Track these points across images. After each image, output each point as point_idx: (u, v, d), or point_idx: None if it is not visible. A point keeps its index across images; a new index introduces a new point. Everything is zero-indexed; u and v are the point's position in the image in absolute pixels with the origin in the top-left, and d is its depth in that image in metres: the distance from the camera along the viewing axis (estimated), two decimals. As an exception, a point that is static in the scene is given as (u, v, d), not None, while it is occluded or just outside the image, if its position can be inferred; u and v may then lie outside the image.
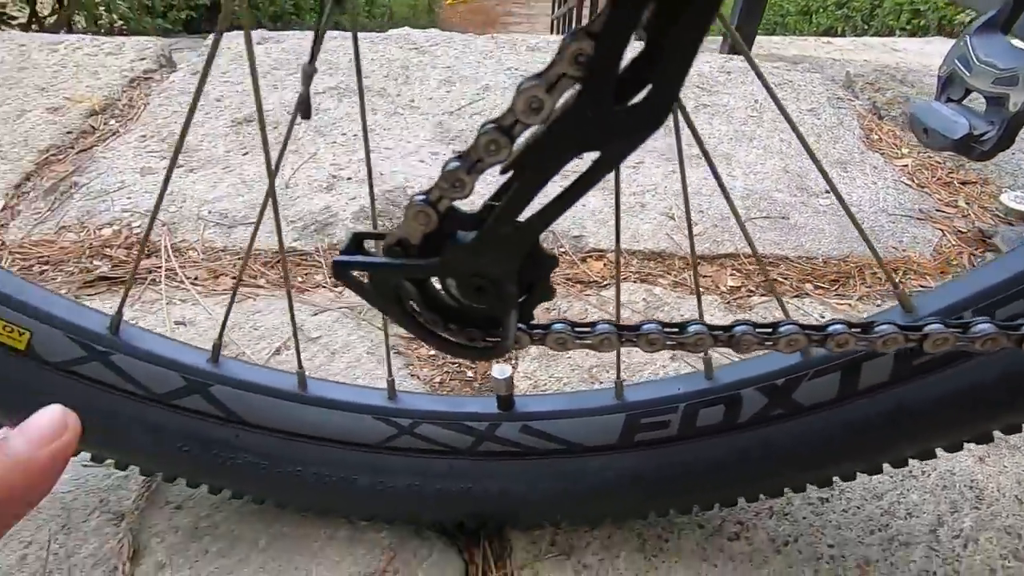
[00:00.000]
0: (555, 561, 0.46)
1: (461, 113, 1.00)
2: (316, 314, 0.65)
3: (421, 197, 0.26)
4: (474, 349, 0.29)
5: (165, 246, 0.72)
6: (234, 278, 0.69)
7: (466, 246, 0.26)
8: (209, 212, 0.78)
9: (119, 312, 0.38)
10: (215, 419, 0.40)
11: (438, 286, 0.30)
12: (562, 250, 0.74)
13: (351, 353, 0.61)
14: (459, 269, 0.27)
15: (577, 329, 0.30)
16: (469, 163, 0.25)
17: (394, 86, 1.06)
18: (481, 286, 0.27)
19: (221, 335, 0.40)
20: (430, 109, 1.01)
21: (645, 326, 0.29)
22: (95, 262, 0.70)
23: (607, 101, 0.23)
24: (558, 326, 0.29)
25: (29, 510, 0.21)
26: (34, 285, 0.38)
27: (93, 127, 0.95)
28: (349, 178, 0.85)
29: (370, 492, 0.43)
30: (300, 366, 0.41)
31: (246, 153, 0.90)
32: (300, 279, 0.70)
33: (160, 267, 0.70)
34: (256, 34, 1.24)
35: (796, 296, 0.70)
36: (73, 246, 0.72)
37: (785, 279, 0.71)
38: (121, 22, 2.82)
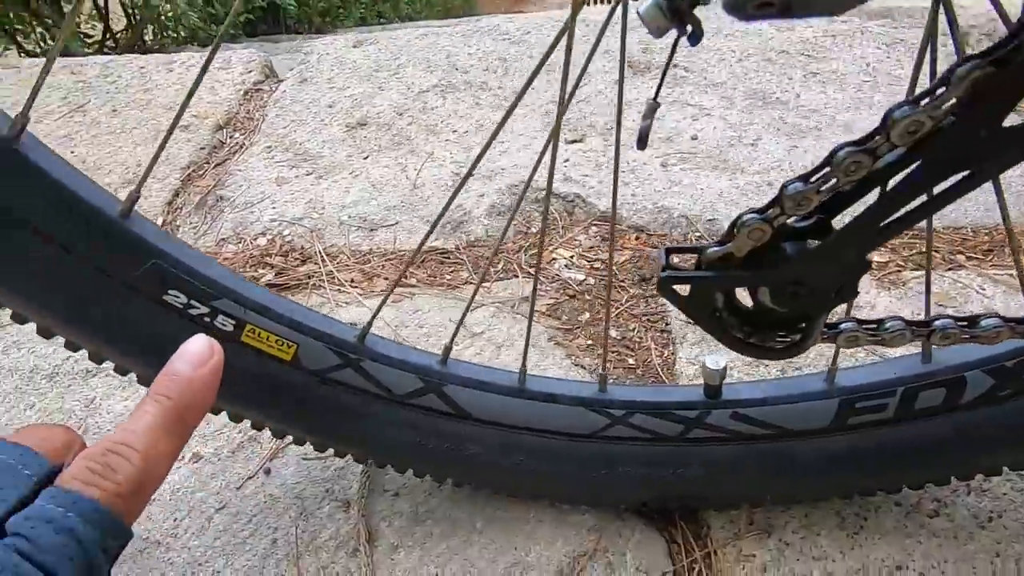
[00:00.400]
0: (756, 539, 0.48)
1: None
2: (473, 310, 0.68)
3: (755, 215, 0.27)
4: (772, 350, 0.31)
5: (318, 251, 0.77)
6: (386, 279, 0.74)
7: (804, 257, 0.27)
8: (348, 217, 0.82)
9: (368, 324, 0.42)
10: (447, 415, 0.44)
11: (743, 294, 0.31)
12: (697, 235, 0.75)
13: (516, 346, 0.64)
14: (786, 278, 0.28)
15: (866, 327, 0.31)
16: (817, 183, 0.26)
17: (495, 79, 1.08)
18: (798, 292, 0.28)
19: (452, 339, 0.43)
20: (535, 100, 1.02)
21: (937, 322, 0.30)
22: (260, 270, 0.75)
23: (996, 123, 0.24)
24: (847, 325, 0.31)
25: (200, 420, 0.27)
26: (296, 303, 0.42)
27: (222, 141, 1.01)
28: (473, 174, 0.87)
29: (582, 478, 0.46)
30: (524, 364, 0.44)
31: (366, 157, 0.94)
32: (448, 276, 0.74)
33: (319, 272, 0.75)
34: (351, 36, 1.27)
35: (950, 269, 0.68)
36: (236, 256, 0.78)
37: (935, 251, 0.70)
38: (186, 32, 2.93)
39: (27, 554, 0.19)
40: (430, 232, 0.41)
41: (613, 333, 0.65)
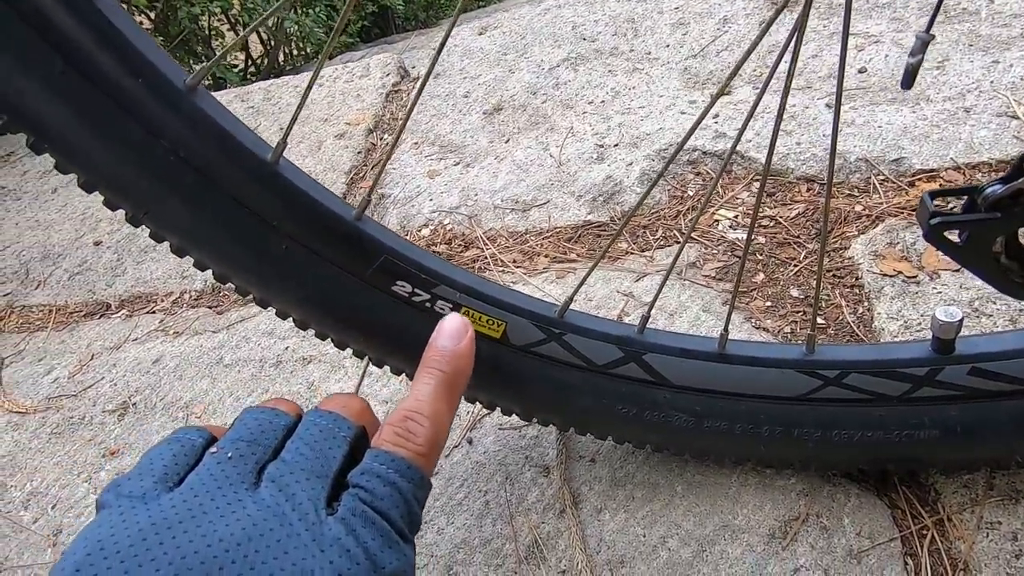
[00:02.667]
0: (1000, 505, 0.43)
1: (706, 53, 0.95)
2: (639, 279, 0.68)
3: None
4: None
5: (479, 236, 0.82)
6: (546, 256, 0.76)
7: None
8: (501, 200, 0.86)
9: (569, 300, 0.44)
10: (648, 383, 0.45)
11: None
12: (881, 177, 0.68)
13: (688, 313, 0.63)
14: None
15: None
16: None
17: (625, 42, 1.05)
18: None
19: (650, 309, 0.44)
20: (671, 57, 0.98)
21: None
22: (429, 259, 0.81)
23: None
24: None
25: (466, 384, 0.32)
26: (501, 284, 0.45)
27: (374, 144, 1.10)
28: (616, 144, 0.87)
29: (790, 442, 0.45)
30: (726, 329, 0.43)
31: (507, 140, 0.97)
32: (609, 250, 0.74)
33: (482, 255, 0.79)
34: (475, 24, 1.30)
35: None
36: (406, 248, 0.84)
37: None
38: (313, 48, 3.18)
39: (367, 501, 0.23)
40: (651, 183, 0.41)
41: (795, 292, 0.61)
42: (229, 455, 0.23)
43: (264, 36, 2.99)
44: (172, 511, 0.19)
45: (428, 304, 0.43)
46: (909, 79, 0.27)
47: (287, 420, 0.27)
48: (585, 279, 0.44)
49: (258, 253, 0.39)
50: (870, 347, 0.47)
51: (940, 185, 0.64)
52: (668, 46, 1.00)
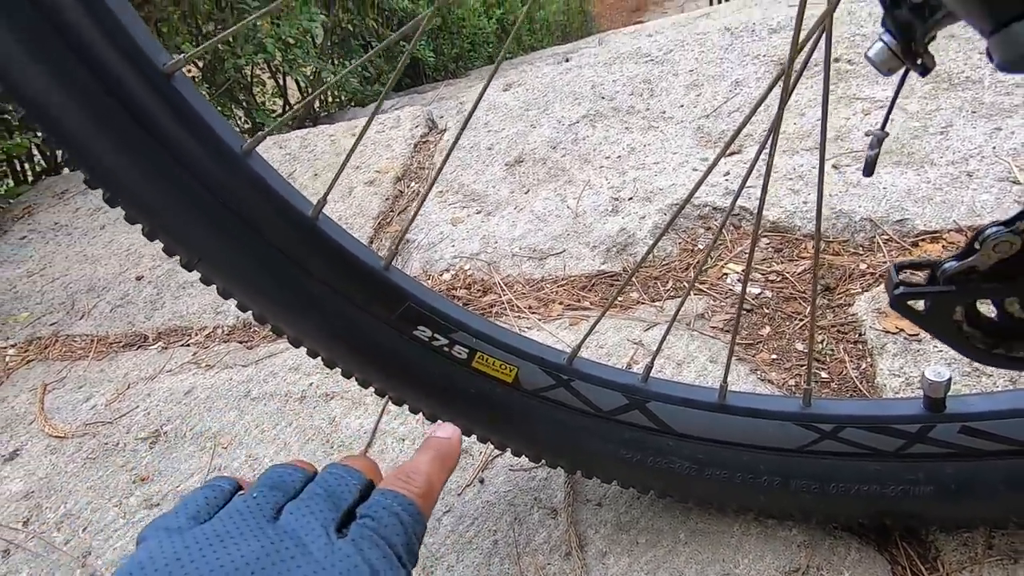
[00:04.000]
0: (999, 565, 0.44)
1: (718, 114, 1.00)
2: (648, 329, 0.71)
3: (1001, 228, 0.28)
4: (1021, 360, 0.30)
5: (496, 282, 0.86)
6: (560, 304, 0.79)
7: None
8: (519, 248, 0.90)
9: (577, 348, 0.47)
10: (651, 430, 0.47)
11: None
12: (885, 237, 0.71)
13: (695, 363, 0.65)
14: None
15: None
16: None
17: (641, 101, 1.11)
18: None
19: (653, 359, 0.47)
20: (685, 116, 1.03)
21: None
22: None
23: None
24: None
25: (454, 467, 0.37)
26: (514, 331, 0.48)
27: (401, 191, 1.16)
28: (630, 198, 0.91)
29: (788, 492, 0.46)
30: (725, 380, 0.45)
31: (527, 191, 1.02)
32: (619, 298, 0.77)
33: (500, 301, 0.82)
34: (500, 81, 1.39)
35: None
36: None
37: None
38: (347, 95, 3.35)
39: (373, 528, 0.26)
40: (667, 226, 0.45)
41: (799, 346, 0.63)
42: (254, 495, 0.26)
43: (302, 84, 3.17)
44: (203, 538, 0.23)
45: (446, 348, 0.46)
46: (870, 168, 0.30)
47: (305, 474, 0.30)
48: (593, 328, 0.47)
49: (296, 297, 0.43)
50: (865, 402, 0.49)
51: (943, 247, 0.67)
52: (682, 106, 1.05)
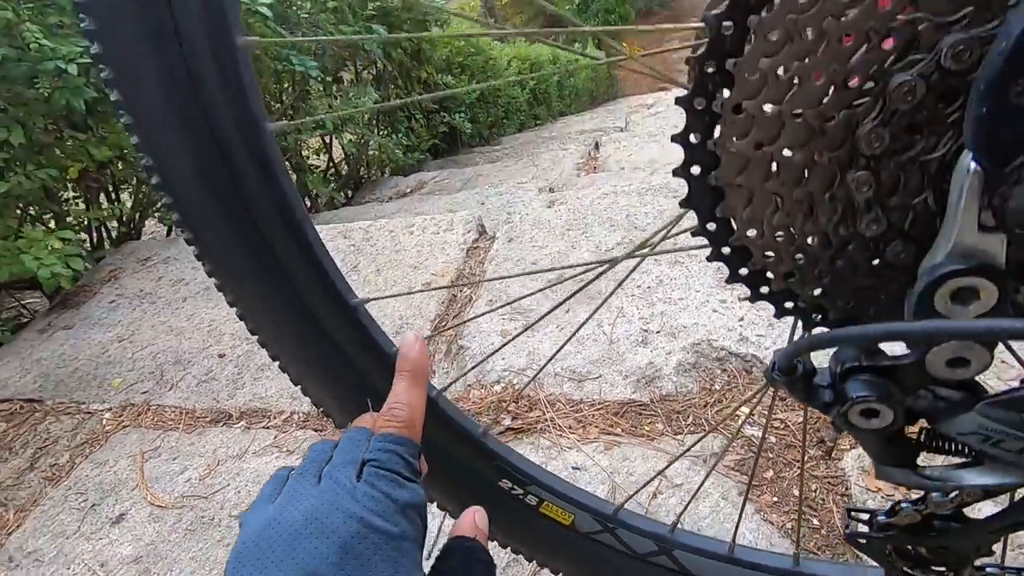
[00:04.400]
0: None
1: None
2: (669, 463, 0.85)
3: (910, 505, 0.42)
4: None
5: (542, 399, 1.01)
6: (596, 427, 0.94)
7: (947, 534, 0.41)
8: (561, 369, 1.05)
9: (623, 503, 0.61)
10: (675, 572, 0.61)
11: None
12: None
13: (710, 499, 0.79)
14: (935, 544, 0.42)
15: (1009, 571, 0.43)
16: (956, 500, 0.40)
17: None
18: (946, 551, 0.42)
19: (680, 516, 0.61)
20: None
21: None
22: (501, 415, 1.00)
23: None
24: (992, 569, 0.43)
25: (427, 378, 0.42)
26: (571, 484, 0.63)
27: (455, 295, 1.33)
28: (658, 331, 1.06)
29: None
30: (734, 539, 0.59)
31: (567, 311, 1.18)
32: (647, 428, 0.92)
33: (544, 418, 0.97)
34: (546, 196, 1.57)
35: None
36: (482, 401, 1.04)
37: None
38: (391, 163, 3.59)
39: (377, 465, 0.37)
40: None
41: (796, 492, 0.77)
42: (300, 471, 0.38)
43: (347, 149, 3.43)
44: (278, 507, 0.34)
45: (521, 496, 0.61)
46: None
47: (333, 443, 0.41)
48: (629, 498, 0.61)
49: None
50: (844, 567, 0.62)
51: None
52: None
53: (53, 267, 1.59)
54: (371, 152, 3.35)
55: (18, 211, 1.76)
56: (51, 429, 1.27)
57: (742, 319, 1.03)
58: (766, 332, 1.00)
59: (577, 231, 1.38)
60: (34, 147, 1.67)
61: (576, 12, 9.89)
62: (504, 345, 0.54)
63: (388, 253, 1.52)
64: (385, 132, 3.43)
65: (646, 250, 0.47)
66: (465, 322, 1.21)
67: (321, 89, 3.03)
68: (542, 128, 5.46)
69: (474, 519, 0.43)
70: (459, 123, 3.97)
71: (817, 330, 0.36)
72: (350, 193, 3.39)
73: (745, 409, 0.89)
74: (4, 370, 1.48)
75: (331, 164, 3.57)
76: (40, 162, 1.70)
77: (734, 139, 0.31)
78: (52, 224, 1.94)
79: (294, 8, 2.57)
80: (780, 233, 0.33)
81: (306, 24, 2.72)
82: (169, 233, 2.33)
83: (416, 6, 3.37)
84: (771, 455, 0.82)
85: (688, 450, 0.59)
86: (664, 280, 1.18)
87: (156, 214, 2.21)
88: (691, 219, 0.38)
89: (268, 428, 1.12)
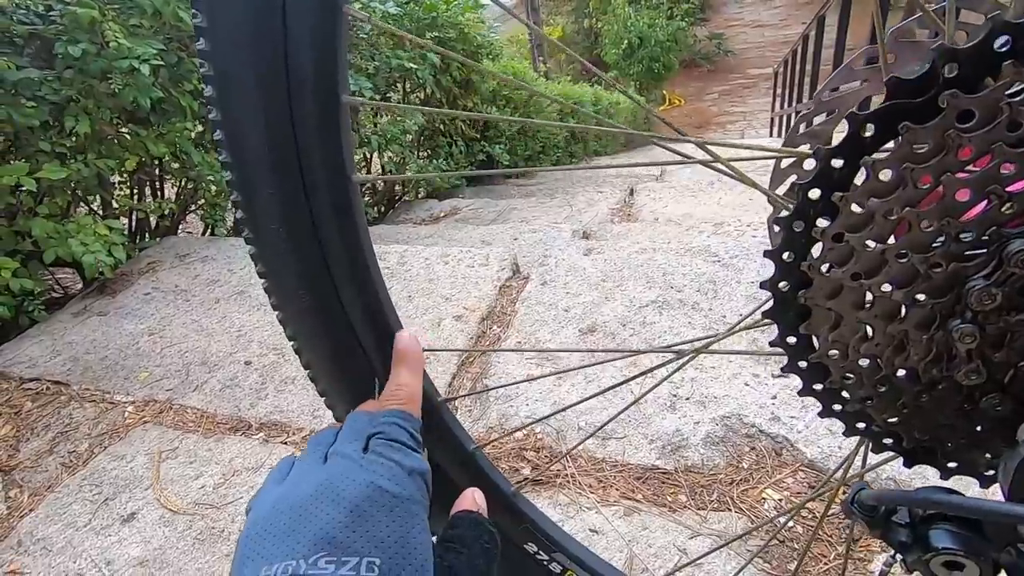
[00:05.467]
0: None
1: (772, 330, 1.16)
2: (692, 537, 0.83)
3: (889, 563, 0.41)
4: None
5: (563, 451, 1.00)
6: (617, 490, 0.93)
7: None
8: (585, 423, 1.04)
9: (647, 583, 0.60)
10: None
11: None
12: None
13: (730, 583, 0.77)
14: None
15: None
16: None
17: (706, 300, 1.28)
18: None
19: (705, 606, 0.59)
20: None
21: None
22: (520, 463, 0.99)
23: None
24: None
25: (422, 367, 0.44)
26: (595, 555, 0.62)
27: (484, 332, 1.34)
28: (687, 398, 1.05)
29: None
30: (759, 639, 0.58)
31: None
32: (669, 498, 0.90)
33: (564, 472, 0.96)
34: (583, 244, 1.58)
35: None
36: (503, 446, 1.03)
37: None
38: (426, 188, 3.65)
39: (383, 436, 0.38)
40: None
41: (820, 590, 0.75)
42: (307, 455, 0.38)
43: (387, 170, 3.50)
44: (285, 487, 0.34)
45: (546, 563, 0.60)
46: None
47: (335, 429, 0.42)
48: None
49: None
50: None
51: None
52: (741, 315, 1.21)
53: (97, 254, 1.63)
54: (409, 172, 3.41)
55: (70, 195, 1.82)
56: (74, 415, 1.28)
57: (775, 397, 1.02)
58: (799, 414, 0.98)
59: (612, 283, 1.39)
60: (97, 137, 1.74)
61: (622, 57, 10.09)
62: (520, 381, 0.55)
63: (421, 281, 1.54)
64: (426, 155, 3.50)
65: (715, 345, 0.48)
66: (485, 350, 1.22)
67: (370, 109, 3.11)
68: (578, 166, 5.53)
69: (474, 497, 0.43)
70: (498, 154, 4.04)
71: (913, 486, 0.35)
72: (383, 209, 3.45)
73: (773, 492, 0.87)
74: (36, 348, 1.51)
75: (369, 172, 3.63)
76: (100, 151, 1.77)
77: (831, 266, 0.32)
78: (99, 210, 2.00)
79: (354, 29, 2.66)
80: (866, 361, 0.34)
81: (364, 45, 2.82)
82: (206, 232, 2.38)
83: (470, 38, 3.47)
84: (796, 546, 0.80)
85: (723, 545, 0.58)
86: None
87: (199, 212, 2.26)
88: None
89: (286, 444, 1.12)
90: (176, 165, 2.04)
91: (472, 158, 4.04)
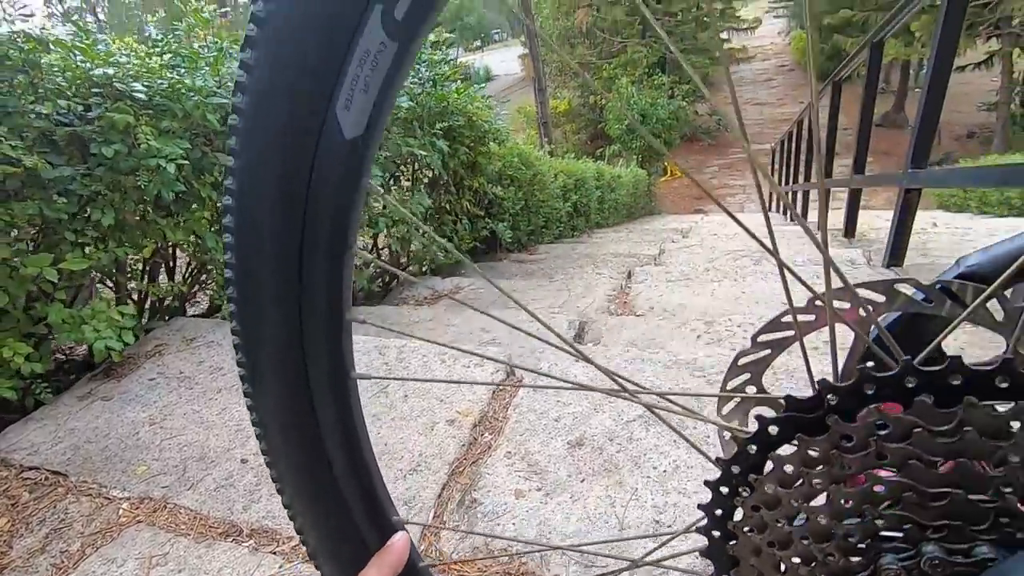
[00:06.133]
0: None
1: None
2: None
3: None
4: None
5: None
6: (596, 624, 0.94)
7: None
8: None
9: None
10: None
11: None
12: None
13: None
14: None
15: None
16: None
17: (690, 420, 1.32)
18: None
19: None
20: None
21: None
22: (503, 589, 1.01)
23: None
24: None
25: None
26: None
27: (475, 438, 1.37)
28: (670, 525, 1.08)
29: None
30: None
31: (583, 480, 1.21)
32: (647, 637, 0.92)
33: (545, 603, 0.98)
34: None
35: None
36: (488, 567, 1.05)
37: None
38: (429, 265, 3.75)
39: None
40: None
41: None
42: None
43: (392, 249, 3.63)
44: None
45: None
46: None
47: None
48: None
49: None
50: None
51: None
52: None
53: (108, 340, 1.70)
54: (412, 250, 3.52)
55: (87, 281, 1.90)
56: (69, 509, 1.31)
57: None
58: None
59: (600, 395, 1.43)
60: (120, 226, 1.85)
61: (625, 132, 10.52)
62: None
63: (419, 378, 1.59)
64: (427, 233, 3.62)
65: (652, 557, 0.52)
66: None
67: (380, 188, 3.26)
68: (578, 241, 5.68)
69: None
70: (501, 231, 4.18)
71: None
72: (386, 281, 3.54)
73: None
74: (39, 434, 1.55)
75: (375, 251, 3.75)
76: (121, 239, 1.87)
77: (750, 529, 0.37)
78: (113, 290, 2.08)
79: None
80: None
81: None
82: (210, 313, 2.46)
83: (477, 125, 3.67)
84: None
85: None
86: (680, 466, 1.20)
87: (207, 291, 2.35)
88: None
89: (276, 554, 1.14)
90: (189, 248, 2.14)
91: (476, 234, 4.17)
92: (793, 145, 7.32)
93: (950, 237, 4.09)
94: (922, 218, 4.59)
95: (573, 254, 4.59)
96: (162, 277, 2.23)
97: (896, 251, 2.91)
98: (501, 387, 1.53)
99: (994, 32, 10.65)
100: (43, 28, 1.73)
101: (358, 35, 0.36)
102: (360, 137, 0.35)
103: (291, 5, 0.33)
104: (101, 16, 26.01)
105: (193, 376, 1.74)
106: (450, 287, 3.16)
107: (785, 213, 8.09)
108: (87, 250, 1.75)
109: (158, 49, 2.19)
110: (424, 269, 3.62)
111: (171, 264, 2.23)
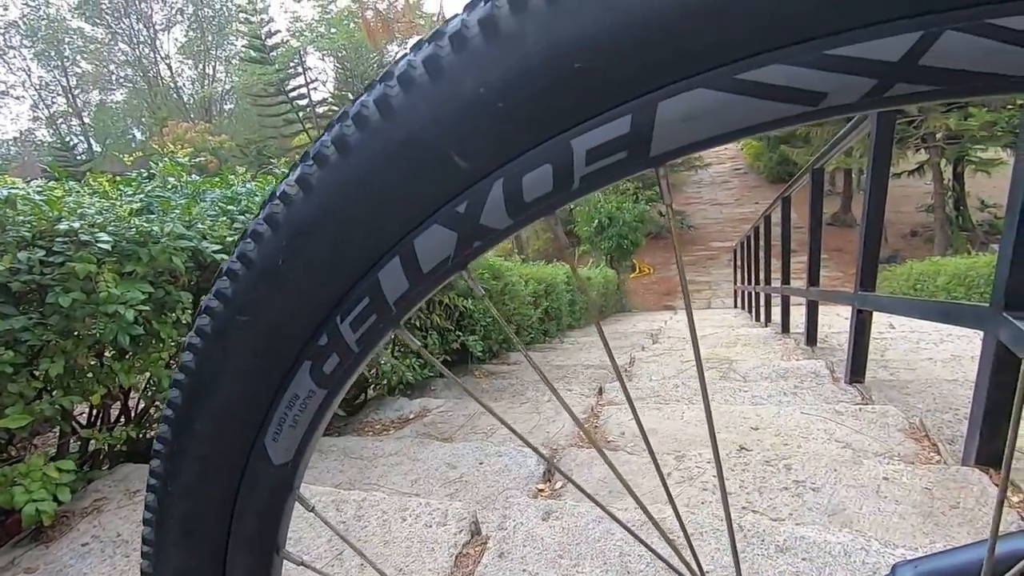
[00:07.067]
0: None
1: (729, 644, 1.12)
2: None
3: None
4: None
5: None
6: None
7: None
8: None
9: None
10: None
11: None
12: None
13: None
14: None
15: None
16: None
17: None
18: None
19: None
20: None
21: None
22: None
23: None
24: None
25: None
26: None
27: (435, 620, 1.27)
28: None
29: None
30: None
31: (550, 674, 1.11)
32: None
33: None
34: (541, 504, 1.58)
35: None
36: None
37: None
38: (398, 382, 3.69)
39: None
40: None
41: None
42: None
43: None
44: None
45: None
46: None
47: None
48: None
49: None
50: None
51: None
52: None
53: (40, 503, 1.57)
54: (383, 369, 3.46)
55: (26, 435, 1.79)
56: None
57: None
58: None
59: (569, 560, 1.36)
60: (71, 372, 1.77)
61: (594, 233, 10.96)
62: None
63: (376, 543, 1.49)
64: (400, 351, 3.59)
65: None
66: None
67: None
68: (550, 347, 5.69)
69: None
70: (472, 344, 4.17)
71: None
72: (354, 394, 3.43)
73: None
74: (-56, 622, 1.38)
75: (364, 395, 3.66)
76: (68, 386, 1.79)
77: None
78: (55, 439, 1.96)
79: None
80: None
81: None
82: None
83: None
84: None
85: None
86: (653, 654, 1.12)
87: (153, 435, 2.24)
88: None
89: None
90: (147, 392, 2.06)
91: (447, 347, 4.15)
92: (750, 249, 7.70)
93: (905, 343, 4.23)
94: (880, 319, 4.78)
95: (544, 363, 4.58)
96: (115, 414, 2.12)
97: (856, 366, 2.98)
98: (465, 550, 1.44)
99: (922, 144, 11.77)
100: (12, 184, 1.75)
101: (288, 381, 0.37)
102: (289, 462, 0.37)
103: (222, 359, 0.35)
104: (87, 120, 26.89)
105: (130, 540, 1.60)
106: (418, 409, 3.09)
107: (748, 310, 8.32)
108: (32, 404, 1.67)
109: (130, 191, 2.24)
110: (394, 389, 3.54)
111: (124, 404, 2.14)
